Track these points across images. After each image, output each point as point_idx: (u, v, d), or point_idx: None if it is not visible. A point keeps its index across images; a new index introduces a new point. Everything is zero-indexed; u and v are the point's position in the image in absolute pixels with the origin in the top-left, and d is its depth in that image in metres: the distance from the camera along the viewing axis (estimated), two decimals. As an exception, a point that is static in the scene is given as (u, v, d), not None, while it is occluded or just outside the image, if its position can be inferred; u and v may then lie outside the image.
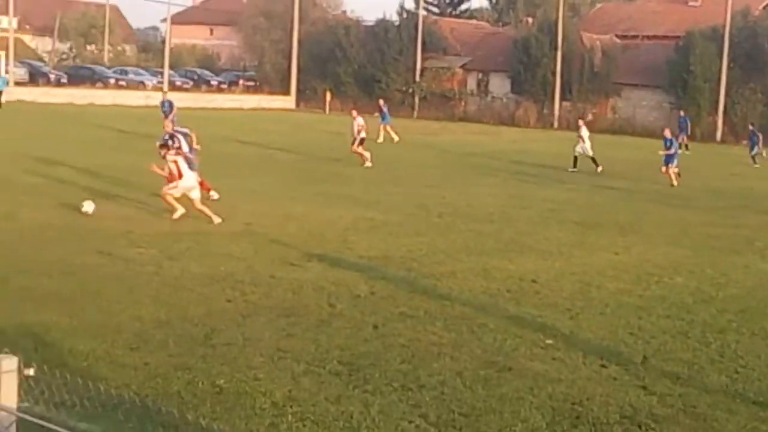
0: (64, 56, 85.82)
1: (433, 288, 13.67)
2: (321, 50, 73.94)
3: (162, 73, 71.77)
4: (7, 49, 62.62)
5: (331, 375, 9.55)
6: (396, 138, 42.61)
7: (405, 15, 75.78)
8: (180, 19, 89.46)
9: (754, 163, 40.92)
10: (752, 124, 45.77)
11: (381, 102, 47.16)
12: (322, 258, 15.39)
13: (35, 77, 68.18)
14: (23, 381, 5.13)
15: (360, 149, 32.45)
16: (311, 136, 44.27)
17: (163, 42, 79.49)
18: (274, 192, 23.59)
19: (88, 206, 18.51)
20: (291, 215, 19.78)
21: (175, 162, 18.54)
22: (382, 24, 74.78)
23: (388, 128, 43.54)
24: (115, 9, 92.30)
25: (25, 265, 13.65)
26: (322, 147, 38.60)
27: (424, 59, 72.13)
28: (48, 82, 67.85)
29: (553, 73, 65.77)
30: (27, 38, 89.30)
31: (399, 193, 24.63)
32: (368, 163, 31.61)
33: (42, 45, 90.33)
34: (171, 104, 35.02)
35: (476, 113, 68.22)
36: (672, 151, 30.85)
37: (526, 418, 8.64)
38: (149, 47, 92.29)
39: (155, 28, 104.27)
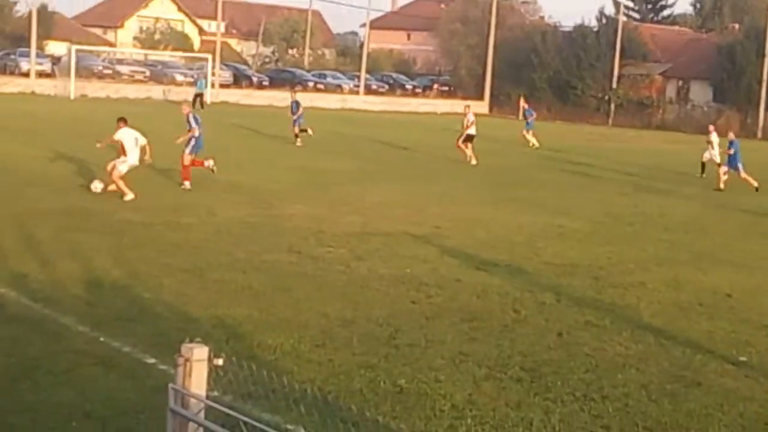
0: (267, 60, 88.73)
1: (621, 298, 13.37)
2: (517, 56, 73.53)
3: (359, 77, 73.15)
4: (214, 52, 65.30)
5: (513, 381, 9.49)
6: (536, 144, 41.38)
7: (604, 21, 74.49)
8: (378, 24, 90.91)
9: None
10: None
11: (524, 103, 46.85)
12: (508, 263, 15.31)
13: (239, 80, 70.78)
14: (212, 370, 5.33)
15: (464, 145, 32.58)
16: (503, 140, 44.10)
17: (362, 46, 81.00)
18: (464, 196, 23.63)
19: (97, 185, 19.84)
20: (480, 220, 19.77)
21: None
22: (580, 30, 73.74)
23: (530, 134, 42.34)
24: (317, 14, 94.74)
25: (221, 259, 14.19)
26: (513, 152, 38.40)
27: (622, 66, 70.67)
28: (251, 85, 70.32)
29: (759, 82, 63.15)
30: (233, 42, 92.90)
31: (590, 200, 24.21)
32: (473, 161, 31.78)
33: (247, 49, 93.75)
34: (298, 104, 36.18)
35: (675, 122, 66.22)
36: None
37: (714, 437, 8.33)
38: (348, 51, 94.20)
39: (354, 33, 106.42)
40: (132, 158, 19.73)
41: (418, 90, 79.75)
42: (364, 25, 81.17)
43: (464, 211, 21.04)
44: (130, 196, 19.07)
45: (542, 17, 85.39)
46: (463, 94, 76.40)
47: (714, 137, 33.06)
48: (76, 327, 10.31)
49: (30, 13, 61.78)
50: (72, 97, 53.67)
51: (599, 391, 9.30)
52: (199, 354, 5.28)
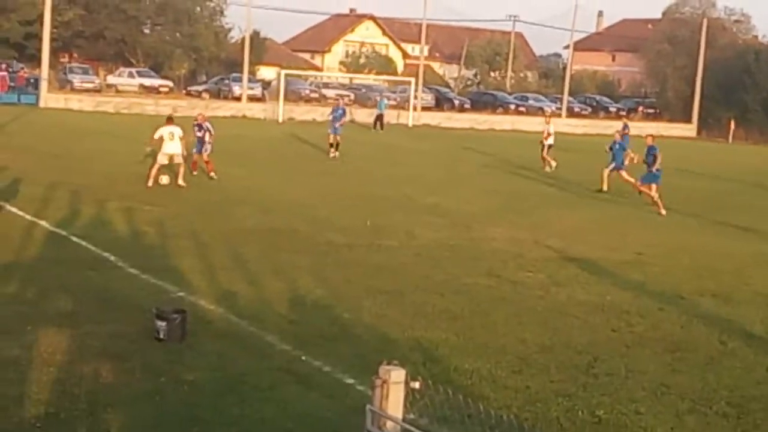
0: (469, 82, 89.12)
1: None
2: (727, 77, 70.94)
3: (561, 99, 72.42)
4: (417, 75, 66.20)
5: (718, 416, 9.13)
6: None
7: (822, 37, 70.94)
8: (582, 45, 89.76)
9: None
10: None
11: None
12: (715, 293, 14.76)
13: (440, 102, 71.39)
14: (409, 393, 5.37)
15: (546, 155, 34.30)
16: (710, 164, 42.61)
17: (564, 68, 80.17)
18: (667, 221, 22.96)
19: (164, 179, 23.02)
20: (684, 246, 19.15)
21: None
22: (796, 47, 70.55)
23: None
24: (519, 36, 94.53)
25: (420, 282, 14.32)
26: (721, 176, 37.01)
27: (841, 85, 67.06)
28: (452, 107, 70.78)
29: None
30: (436, 66, 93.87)
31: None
32: (547, 168, 33.60)
33: (449, 72, 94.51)
34: (344, 111, 36.71)
35: None
36: None
37: None
38: (550, 73, 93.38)
39: (557, 55, 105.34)
40: (168, 149, 23.12)
41: (623, 113, 78.08)
42: (567, 46, 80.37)
43: (667, 237, 20.43)
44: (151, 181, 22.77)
45: (756, 36, 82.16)
46: (670, 117, 74.41)
47: None
48: (279, 345, 10.63)
49: (243, 40, 64.43)
50: (280, 120, 55.51)
51: (812, 431, 8.82)
52: (396, 376, 5.34)
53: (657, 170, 24.75)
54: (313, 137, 39.23)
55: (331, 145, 34.04)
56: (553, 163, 33.92)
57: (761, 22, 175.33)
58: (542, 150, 34.62)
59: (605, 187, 27.76)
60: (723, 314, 13.31)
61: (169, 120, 23.85)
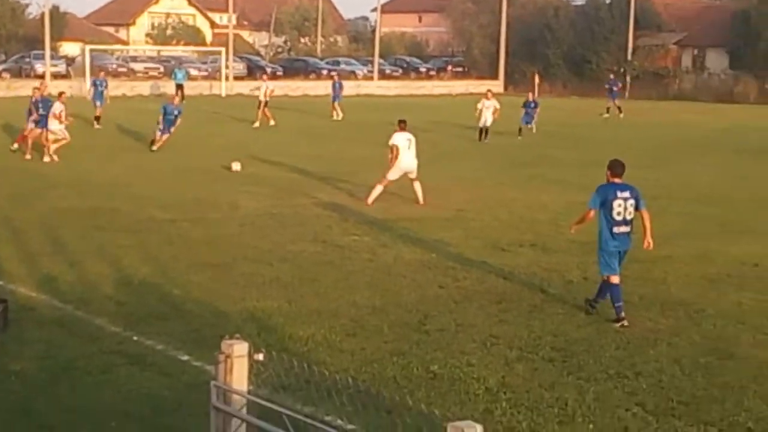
0: (280, 50, 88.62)
1: (648, 272, 13.35)
2: (530, 33, 73.16)
3: (372, 62, 73.02)
4: (226, 45, 65.33)
5: (545, 361, 9.52)
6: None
7: (617, -8, 73.94)
8: (389, 7, 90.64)
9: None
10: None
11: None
12: (533, 243, 15.32)
13: (253, 71, 70.75)
14: (253, 365, 5.38)
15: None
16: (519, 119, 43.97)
17: (373, 31, 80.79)
18: (484, 177, 23.61)
19: (235, 165, 22.67)
20: (502, 200, 19.77)
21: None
22: (593, 3, 73.27)
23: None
24: (327, 1, 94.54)
25: (247, 252, 14.26)
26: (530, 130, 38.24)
27: (636, 37, 70.16)
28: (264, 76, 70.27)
29: (775, 46, 62.64)
30: (245, 34, 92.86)
31: (611, 176, 24.10)
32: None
33: (259, 40, 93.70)
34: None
35: (692, 91, 65.76)
36: None
37: (750, 408, 8.35)
38: (360, 37, 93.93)
39: (365, 18, 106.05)
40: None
41: (432, 72, 79.49)
42: (374, 9, 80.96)
43: (486, 192, 21.02)
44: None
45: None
46: (478, 74, 76.17)
47: None
48: (108, 327, 10.41)
49: (42, 15, 61.90)
50: (89, 97, 53.77)
51: (632, 367, 9.33)
52: (239, 350, 5.34)
53: None
54: (124, 113, 38.22)
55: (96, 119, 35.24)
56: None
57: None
58: (482, 133, 32.98)
59: None
60: (542, 263, 13.85)
61: None
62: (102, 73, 40.82)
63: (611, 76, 51.48)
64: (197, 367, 8.96)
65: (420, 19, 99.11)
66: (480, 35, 79.47)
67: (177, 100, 30.41)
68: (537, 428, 7.88)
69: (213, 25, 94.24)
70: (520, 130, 34.44)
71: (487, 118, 32.79)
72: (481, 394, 8.58)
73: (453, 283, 12.63)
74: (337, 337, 10.11)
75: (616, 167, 11.56)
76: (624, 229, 11.02)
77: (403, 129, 19.24)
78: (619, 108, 46.30)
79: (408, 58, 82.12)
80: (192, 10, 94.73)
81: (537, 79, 66.97)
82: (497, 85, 72.32)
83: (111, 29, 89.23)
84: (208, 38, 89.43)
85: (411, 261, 13.90)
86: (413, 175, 19.19)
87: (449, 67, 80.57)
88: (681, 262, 14.07)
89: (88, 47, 58.89)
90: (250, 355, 5.31)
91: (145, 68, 66.12)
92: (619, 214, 10.93)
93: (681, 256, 14.41)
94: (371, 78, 70.83)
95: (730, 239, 15.87)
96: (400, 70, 77.35)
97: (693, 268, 13.73)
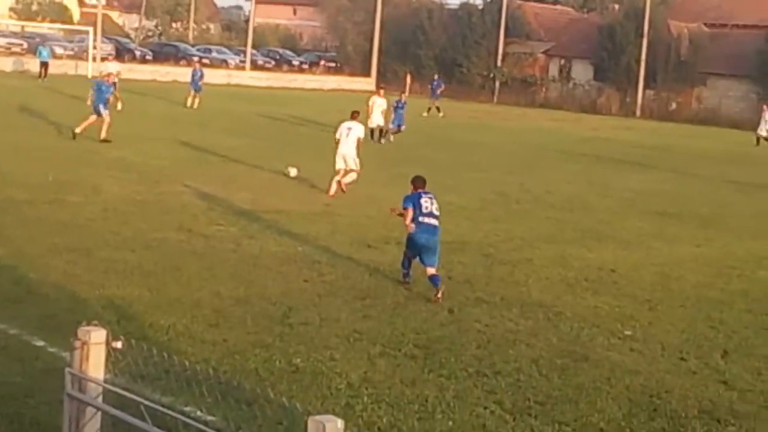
0: (150, 34, 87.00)
1: (510, 274, 13.61)
2: (403, 33, 73.80)
3: (245, 52, 72.35)
4: (95, 25, 63.72)
5: (407, 358, 9.58)
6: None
7: (489, -1, 75.23)
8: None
9: None
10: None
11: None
12: (399, 241, 15.33)
13: (121, 53, 69.19)
14: (111, 353, 5.24)
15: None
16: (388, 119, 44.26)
17: (247, 21, 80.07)
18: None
19: (293, 171, 21.48)
20: (370, 197, 19.81)
21: None
22: (466, 8, 74.37)
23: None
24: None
25: (109, 238, 13.92)
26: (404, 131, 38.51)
27: (506, 44, 71.53)
28: (133, 59, 68.78)
29: (638, 61, 64.69)
30: (115, 15, 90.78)
31: (477, 179, 24.51)
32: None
33: (129, 22, 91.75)
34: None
35: (557, 100, 67.47)
36: None
37: (603, 409, 8.57)
38: (233, 26, 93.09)
39: (239, 7, 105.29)
40: None
41: (305, 66, 79.34)
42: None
43: (355, 188, 21.02)
44: None
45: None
46: (350, 71, 76.36)
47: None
48: (-42, 310, 9.99)
49: None
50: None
51: (491, 366, 9.47)
52: (96, 337, 5.19)
53: None
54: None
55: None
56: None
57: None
58: (374, 133, 31.28)
59: None
60: (407, 261, 13.91)
61: None
62: None
63: (435, 77, 52.81)
64: (52, 353, 8.68)
65: (295, 12, 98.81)
66: (354, 32, 79.74)
67: (111, 78, 28.46)
68: (397, 424, 7.91)
69: (81, 3, 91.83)
70: (386, 132, 33.50)
71: (378, 118, 31.69)
72: (343, 388, 8.57)
73: (318, 278, 12.60)
74: (199, 328, 9.96)
75: (417, 181, 13.25)
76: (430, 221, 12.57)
77: (354, 119, 20.57)
78: (438, 108, 46.98)
79: (281, 51, 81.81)
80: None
81: (409, 80, 67.67)
82: (369, 83, 72.68)
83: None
84: (76, 17, 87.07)
85: (277, 253, 13.81)
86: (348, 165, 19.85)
87: (322, 62, 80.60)
88: (541, 265, 14.38)
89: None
90: (107, 343, 5.17)
91: (8, 43, 63.94)
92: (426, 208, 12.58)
93: (542, 260, 14.72)
94: (243, 68, 70.22)
95: (589, 245, 16.30)
96: (273, 62, 76.94)
97: (553, 271, 14.04)
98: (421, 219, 12.46)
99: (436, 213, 12.62)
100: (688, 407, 8.77)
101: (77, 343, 5.19)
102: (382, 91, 32.92)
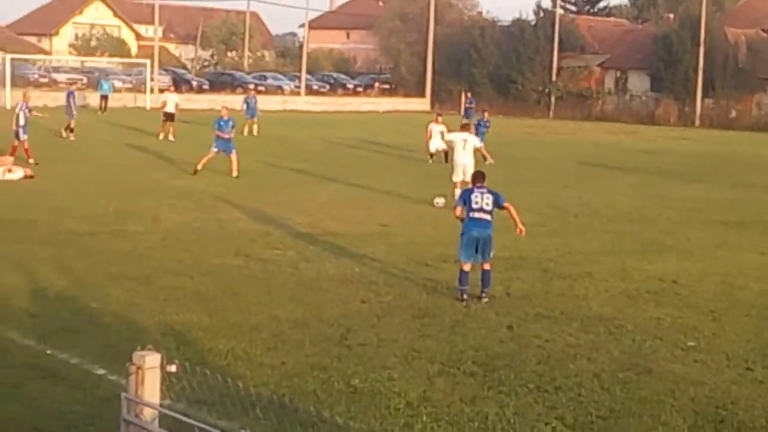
0: (206, 63, 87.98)
1: (570, 289, 13.46)
2: (456, 52, 73.77)
3: (299, 78, 72.89)
4: (152, 57, 64.69)
5: (466, 376, 9.51)
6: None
7: (542, 14, 74.90)
8: (317, 24, 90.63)
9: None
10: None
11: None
12: (457, 259, 15.31)
13: (178, 84, 70.14)
14: (165, 378, 5.25)
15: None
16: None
17: (301, 47, 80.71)
18: (409, 193, 23.62)
19: (440, 201, 20.88)
20: (426, 216, 19.79)
21: None
22: (518, 24, 74.16)
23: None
24: (255, 16, 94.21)
25: (168, 266, 14.05)
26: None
27: (560, 58, 71.20)
28: (190, 89, 69.69)
29: (695, 70, 63.96)
30: (171, 47, 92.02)
31: (535, 193, 24.33)
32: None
33: (185, 53, 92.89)
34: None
35: (614, 112, 66.89)
36: None
37: (667, 422, 8.42)
38: (287, 52, 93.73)
39: (293, 34, 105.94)
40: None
41: (360, 89, 79.68)
42: (302, 25, 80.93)
43: (411, 208, 21.05)
44: None
45: (480, 12, 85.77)
46: (405, 92, 76.51)
47: None
48: (21, 340, 10.14)
49: (-38, 23, 60.69)
50: (8, 106, 52.69)
51: (552, 382, 9.36)
52: (151, 361, 5.20)
53: None
54: (46, 123, 37.53)
55: (69, 129, 34.58)
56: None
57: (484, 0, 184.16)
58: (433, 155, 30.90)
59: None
60: (465, 278, 13.83)
61: None
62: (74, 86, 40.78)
63: (468, 95, 53.62)
64: (112, 381, 8.75)
65: (348, 36, 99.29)
66: (407, 53, 79.92)
67: (225, 111, 26.93)
68: (457, 442, 7.85)
69: (138, 37, 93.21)
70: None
71: (438, 142, 31.49)
72: (402, 408, 8.53)
73: (375, 298, 12.58)
74: (258, 351, 9.98)
75: (475, 176, 13.55)
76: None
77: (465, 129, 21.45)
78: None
79: (335, 75, 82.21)
80: (117, 22, 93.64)
81: (464, 98, 67.59)
82: (424, 103, 72.81)
83: (33, 39, 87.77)
84: (134, 50, 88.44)
85: (334, 275, 13.82)
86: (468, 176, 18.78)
87: (376, 84, 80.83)
88: (601, 278, 14.21)
89: (8, 56, 57.82)
90: (162, 367, 5.18)
91: (68, 79, 65.08)
92: (476, 203, 12.77)
93: (601, 273, 14.55)
94: (298, 93, 70.72)
95: (650, 257, 16.07)
96: (328, 86, 77.36)
97: (613, 284, 13.87)
98: (471, 214, 12.81)
99: (487, 208, 12.82)
100: (756, 417, 8.58)
101: (132, 368, 5.21)
102: (440, 118, 32.14)
